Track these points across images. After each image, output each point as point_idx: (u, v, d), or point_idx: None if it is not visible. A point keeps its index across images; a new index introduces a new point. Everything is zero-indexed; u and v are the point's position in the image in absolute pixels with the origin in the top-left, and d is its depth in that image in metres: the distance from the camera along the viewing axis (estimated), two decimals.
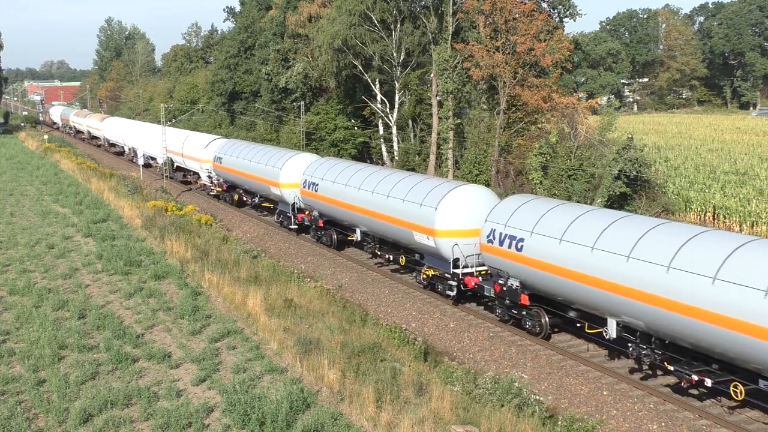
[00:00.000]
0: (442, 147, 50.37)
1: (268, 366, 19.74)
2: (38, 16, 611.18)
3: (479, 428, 15.93)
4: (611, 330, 21.13)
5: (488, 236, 25.35)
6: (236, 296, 25.46)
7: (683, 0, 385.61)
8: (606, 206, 36.73)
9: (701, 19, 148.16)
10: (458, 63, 48.35)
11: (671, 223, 21.79)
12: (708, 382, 18.80)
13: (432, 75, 50.32)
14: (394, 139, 57.10)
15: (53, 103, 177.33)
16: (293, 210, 40.70)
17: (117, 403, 17.22)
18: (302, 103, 64.25)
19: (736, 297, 17.21)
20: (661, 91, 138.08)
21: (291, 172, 40.64)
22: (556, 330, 25.20)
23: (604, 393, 20.68)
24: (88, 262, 31.32)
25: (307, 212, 39.11)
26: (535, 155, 42.31)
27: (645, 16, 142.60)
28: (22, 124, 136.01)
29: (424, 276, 29.38)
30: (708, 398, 20.16)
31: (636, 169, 38.54)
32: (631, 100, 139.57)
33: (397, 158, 56.45)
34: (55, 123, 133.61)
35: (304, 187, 38.35)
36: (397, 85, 56.13)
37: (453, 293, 27.99)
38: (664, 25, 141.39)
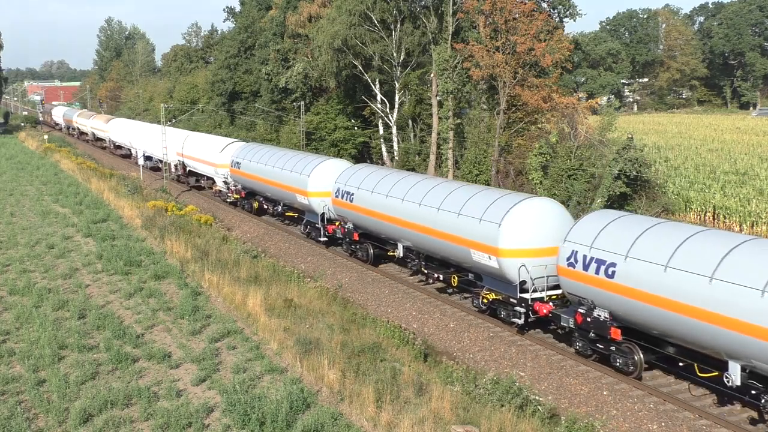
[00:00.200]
0: (442, 147, 50.34)
1: (268, 366, 19.76)
2: (38, 16, 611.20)
3: (479, 428, 15.93)
4: (734, 376, 18.18)
5: (569, 259, 22.22)
6: (236, 296, 25.47)
7: (683, 0, 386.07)
8: (606, 206, 36.74)
9: (701, 19, 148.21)
10: (458, 63, 48.33)
11: None
12: None
13: (432, 75, 50.29)
14: (394, 139, 57.08)
15: (54, 103, 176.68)
16: (322, 221, 37.48)
17: (117, 403, 17.24)
18: (302, 103, 64.23)
19: None
20: (661, 91, 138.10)
21: (320, 179, 37.47)
22: (646, 366, 21.49)
23: (604, 393, 20.67)
24: (88, 262, 31.35)
25: (338, 223, 36.14)
26: (535, 155, 42.29)
27: (645, 16, 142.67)
28: (22, 124, 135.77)
29: (485, 300, 26.07)
30: (708, 398, 20.16)
31: (636, 169, 38.52)
32: (631, 100, 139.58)
33: (397, 158, 56.45)
34: (57, 124, 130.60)
35: (337, 196, 35.38)
36: (397, 85, 56.11)
37: (520, 321, 24.64)
38: (664, 25, 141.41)
